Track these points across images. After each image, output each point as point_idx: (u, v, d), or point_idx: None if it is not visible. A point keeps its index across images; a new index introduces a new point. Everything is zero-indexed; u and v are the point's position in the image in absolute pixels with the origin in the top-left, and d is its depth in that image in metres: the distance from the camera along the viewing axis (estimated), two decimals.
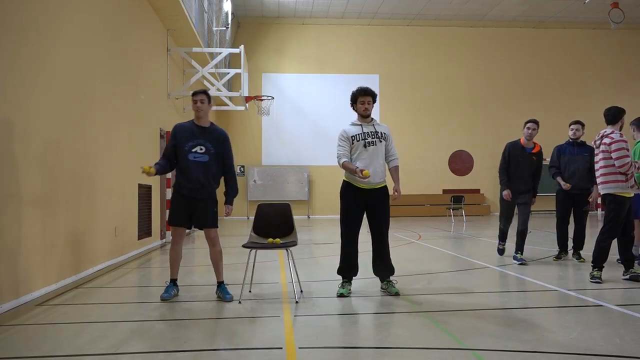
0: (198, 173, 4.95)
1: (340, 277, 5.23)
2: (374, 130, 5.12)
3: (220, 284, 5.02)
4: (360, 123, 5.16)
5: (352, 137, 5.08)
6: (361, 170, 4.79)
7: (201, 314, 4.48)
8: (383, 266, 5.20)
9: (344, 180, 5.20)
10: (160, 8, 10.27)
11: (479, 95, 21.96)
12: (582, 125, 7.42)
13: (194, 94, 5.11)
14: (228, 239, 11.53)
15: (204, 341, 3.72)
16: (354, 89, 5.25)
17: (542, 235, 11.36)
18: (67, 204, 5.91)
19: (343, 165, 5.04)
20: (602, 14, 18.01)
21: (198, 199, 4.98)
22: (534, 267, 6.78)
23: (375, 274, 5.25)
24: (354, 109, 5.25)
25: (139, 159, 9.14)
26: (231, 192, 5.13)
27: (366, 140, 5.05)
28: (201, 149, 4.98)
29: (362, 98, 5.14)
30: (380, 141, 5.11)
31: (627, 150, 5.46)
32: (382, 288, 5.18)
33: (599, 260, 5.63)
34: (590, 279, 5.62)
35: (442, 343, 3.53)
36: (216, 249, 5.09)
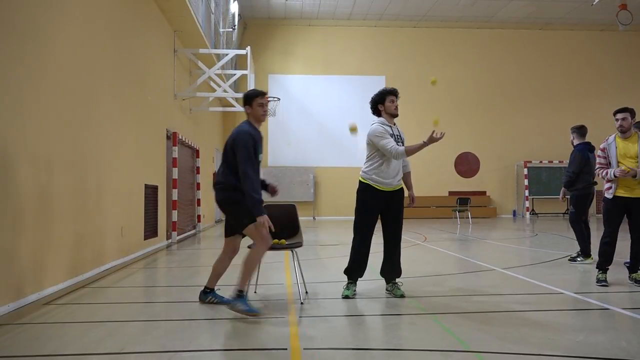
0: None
1: (345, 278, 5.21)
2: (398, 134, 5.11)
3: (212, 290, 4.87)
4: (389, 124, 5.11)
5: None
6: (433, 133, 4.69)
7: (206, 314, 4.48)
8: (392, 268, 5.18)
9: (362, 182, 5.07)
10: (167, 9, 10.32)
11: (486, 97, 21.91)
12: (572, 130, 7.49)
13: (263, 95, 4.73)
14: None
15: (209, 341, 3.73)
16: (381, 89, 5.20)
17: (550, 238, 11.31)
18: (73, 203, 5.94)
19: (407, 151, 4.83)
20: (610, 16, 17.92)
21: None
22: (540, 270, 6.75)
23: (382, 276, 5.24)
24: (376, 109, 5.17)
25: (146, 159, 9.18)
26: None
27: (397, 143, 5.00)
28: (261, 156, 4.70)
29: (391, 97, 5.11)
30: (402, 145, 5.09)
31: (599, 157, 5.80)
32: (387, 290, 5.17)
33: (599, 262, 5.70)
34: (596, 282, 5.61)
35: (448, 345, 3.52)
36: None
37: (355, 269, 5.14)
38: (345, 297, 4.97)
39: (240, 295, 4.30)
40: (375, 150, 5.00)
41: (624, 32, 19.12)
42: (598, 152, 5.82)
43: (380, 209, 5.07)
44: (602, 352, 3.31)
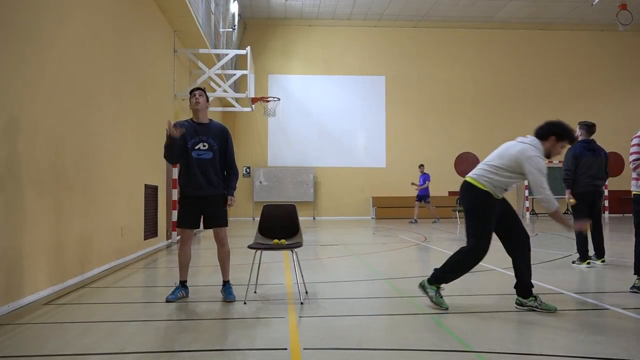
0: (203, 171, 4.91)
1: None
2: None
3: (226, 284, 5.02)
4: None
5: None
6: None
7: (206, 314, 4.49)
8: (529, 277, 4.56)
9: (482, 189, 4.46)
10: (167, 9, 10.31)
11: (486, 97, 21.90)
12: (580, 126, 7.14)
13: (192, 91, 5.06)
14: (234, 239, 11.55)
15: (209, 341, 3.73)
16: (566, 126, 4.52)
17: (550, 238, 11.31)
18: (73, 203, 5.94)
19: (556, 213, 4.33)
20: (610, 16, 17.92)
21: (207, 198, 4.94)
22: (540, 270, 6.74)
23: (519, 288, 4.58)
24: (546, 137, 4.51)
25: (146, 159, 9.18)
26: (232, 185, 5.08)
27: None
28: (204, 146, 4.93)
29: (566, 144, 4.61)
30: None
31: (639, 145, 5.11)
32: (527, 305, 4.46)
33: (636, 268, 5.20)
34: (630, 288, 5.17)
35: (448, 345, 3.52)
36: (225, 249, 5.07)
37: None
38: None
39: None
40: (515, 170, 4.42)
41: (624, 32, 19.10)
42: (635, 141, 5.15)
43: (498, 217, 4.55)
44: (602, 352, 3.30)
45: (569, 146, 4.60)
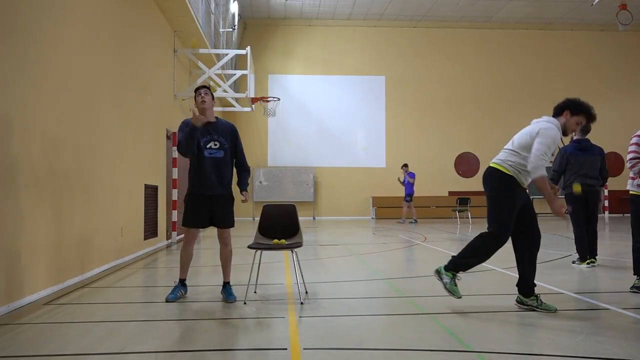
0: (215, 170, 4.89)
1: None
2: None
3: (226, 285, 5.02)
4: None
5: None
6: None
7: (206, 314, 4.49)
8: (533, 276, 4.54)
9: (507, 174, 4.42)
10: (167, 9, 10.32)
11: (485, 97, 21.90)
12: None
13: (197, 89, 5.00)
14: (234, 239, 11.54)
15: (209, 342, 3.73)
16: (582, 101, 4.58)
17: (549, 238, 11.32)
18: (74, 203, 5.94)
19: (541, 180, 4.27)
20: (610, 16, 17.92)
21: (216, 197, 4.93)
22: (540, 270, 6.72)
23: (521, 287, 4.54)
24: (560, 112, 4.56)
25: (146, 159, 9.18)
26: (244, 181, 5.12)
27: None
28: (215, 145, 4.91)
29: (583, 119, 4.57)
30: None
31: (638, 145, 5.09)
32: (528, 304, 4.46)
33: (635, 268, 5.21)
34: (630, 288, 5.17)
35: (448, 345, 3.52)
36: (228, 249, 5.08)
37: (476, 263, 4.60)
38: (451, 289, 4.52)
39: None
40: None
41: (623, 33, 19.11)
42: (634, 140, 5.12)
43: (521, 206, 4.47)
44: (602, 352, 3.31)
45: (583, 121, 4.60)
